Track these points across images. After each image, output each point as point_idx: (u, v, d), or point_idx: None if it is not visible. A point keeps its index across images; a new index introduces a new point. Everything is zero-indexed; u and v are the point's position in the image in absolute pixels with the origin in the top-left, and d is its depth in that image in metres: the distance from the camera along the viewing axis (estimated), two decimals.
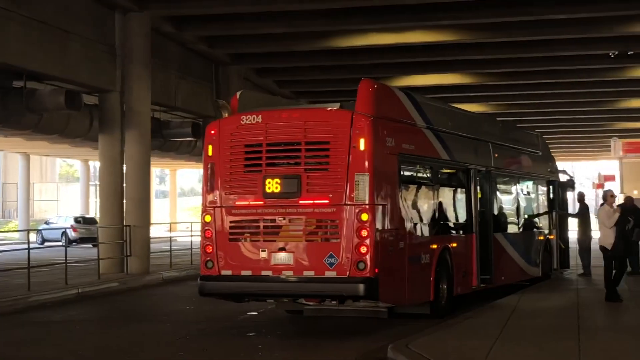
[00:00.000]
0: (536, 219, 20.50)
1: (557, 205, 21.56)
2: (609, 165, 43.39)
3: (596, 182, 38.62)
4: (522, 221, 19.60)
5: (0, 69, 19.07)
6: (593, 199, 35.01)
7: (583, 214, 21.81)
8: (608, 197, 16.39)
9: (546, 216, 21.07)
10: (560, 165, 23.20)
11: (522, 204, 19.88)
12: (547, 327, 12.29)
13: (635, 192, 55.22)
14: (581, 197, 22.54)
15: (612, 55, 28.44)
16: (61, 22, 20.74)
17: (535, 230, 20.26)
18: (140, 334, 13.62)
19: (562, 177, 22.50)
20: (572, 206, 22.54)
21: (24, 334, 13.83)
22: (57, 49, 20.69)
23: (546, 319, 13.25)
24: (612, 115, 42.42)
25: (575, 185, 23.66)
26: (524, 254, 19.05)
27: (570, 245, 22.34)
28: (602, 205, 16.55)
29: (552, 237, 21.13)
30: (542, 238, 20.50)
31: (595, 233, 18.18)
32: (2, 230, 55.04)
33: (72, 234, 41.95)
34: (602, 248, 15.79)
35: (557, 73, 31.43)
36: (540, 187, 20.92)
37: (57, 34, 20.63)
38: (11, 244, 36.54)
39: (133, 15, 23.20)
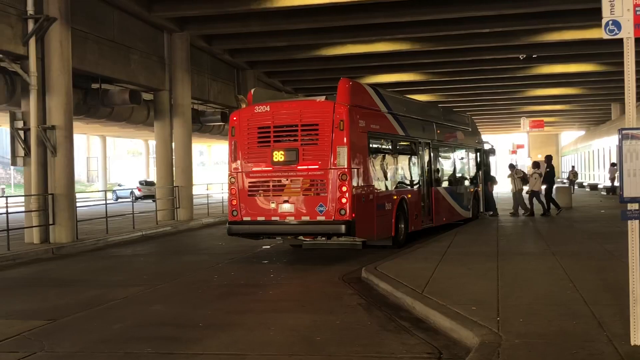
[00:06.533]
0: (467, 177, 20.48)
1: (482, 167, 21.55)
2: (519, 136, 43.21)
3: (511, 149, 38.64)
4: (457, 178, 19.58)
5: (81, 75, 18.91)
6: (508, 162, 35.16)
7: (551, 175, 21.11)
8: None
9: (475, 174, 21.08)
10: (484, 137, 23.09)
11: (458, 166, 19.84)
12: (475, 254, 12.28)
13: (539, 155, 55.46)
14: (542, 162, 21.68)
15: (522, 58, 28.23)
16: (125, 40, 20.55)
17: (466, 184, 20.26)
18: (186, 263, 13.66)
19: (486, 146, 22.48)
20: (494, 167, 22.35)
21: (102, 264, 13.87)
22: (122, 59, 20.51)
23: (475, 248, 13.26)
24: (521, 101, 42.24)
25: (495, 151, 23.64)
26: (459, 201, 19.08)
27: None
28: None
29: (479, 189, 21.17)
30: (472, 190, 20.52)
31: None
32: (87, 190, 54.82)
33: (137, 193, 41.90)
34: None
35: (482, 71, 31.24)
36: (470, 153, 20.85)
37: (122, 49, 20.46)
38: (94, 200, 36.36)
39: (176, 35, 22.99)
